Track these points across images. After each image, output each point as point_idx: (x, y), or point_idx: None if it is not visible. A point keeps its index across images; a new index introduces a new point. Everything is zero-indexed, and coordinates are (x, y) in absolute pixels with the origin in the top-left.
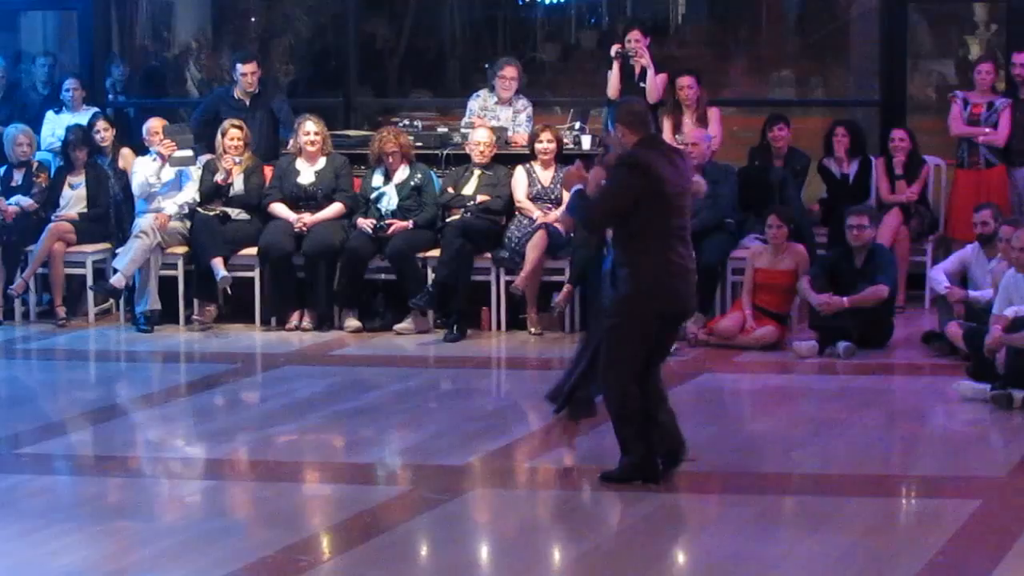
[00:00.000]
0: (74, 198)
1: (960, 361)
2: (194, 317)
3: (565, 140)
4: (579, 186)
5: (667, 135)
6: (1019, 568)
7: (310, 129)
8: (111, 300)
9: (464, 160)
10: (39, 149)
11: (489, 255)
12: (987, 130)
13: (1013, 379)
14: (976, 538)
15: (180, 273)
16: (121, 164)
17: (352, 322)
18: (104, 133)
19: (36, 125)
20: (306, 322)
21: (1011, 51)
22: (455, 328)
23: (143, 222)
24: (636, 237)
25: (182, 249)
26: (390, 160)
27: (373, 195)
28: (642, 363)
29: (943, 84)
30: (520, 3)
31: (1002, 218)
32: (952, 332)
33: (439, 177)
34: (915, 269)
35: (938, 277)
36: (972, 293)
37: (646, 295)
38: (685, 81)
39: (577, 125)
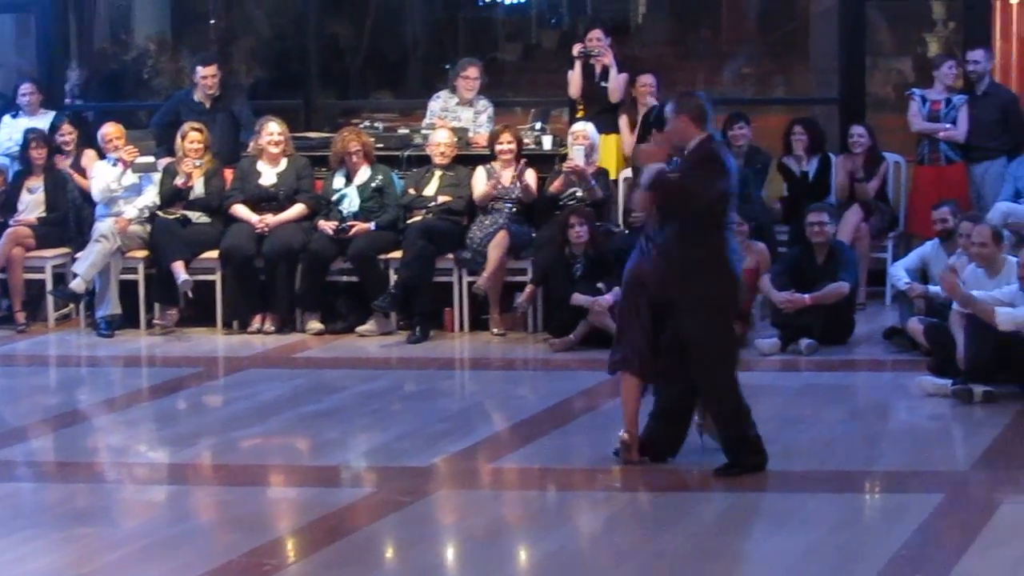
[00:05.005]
0: (33, 202)
1: (921, 357)
2: (155, 321)
3: (526, 140)
4: (660, 165)
5: (625, 134)
6: (982, 560)
7: (274, 130)
8: (71, 305)
9: (425, 161)
10: None
11: (451, 256)
12: (947, 126)
13: (973, 374)
14: (940, 531)
15: (141, 277)
16: (84, 163)
17: (314, 324)
18: (68, 136)
19: None
20: (268, 325)
21: (968, 49)
22: (418, 329)
23: (103, 226)
24: (710, 233)
25: (142, 253)
26: (353, 160)
27: (334, 197)
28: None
29: (902, 82)
30: (481, 3)
31: (962, 214)
32: (913, 328)
33: (400, 178)
34: (876, 266)
35: (898, 273)
36: (932, 289)
37: (731, 288)
38: (646, 80)
39: (538, 125)
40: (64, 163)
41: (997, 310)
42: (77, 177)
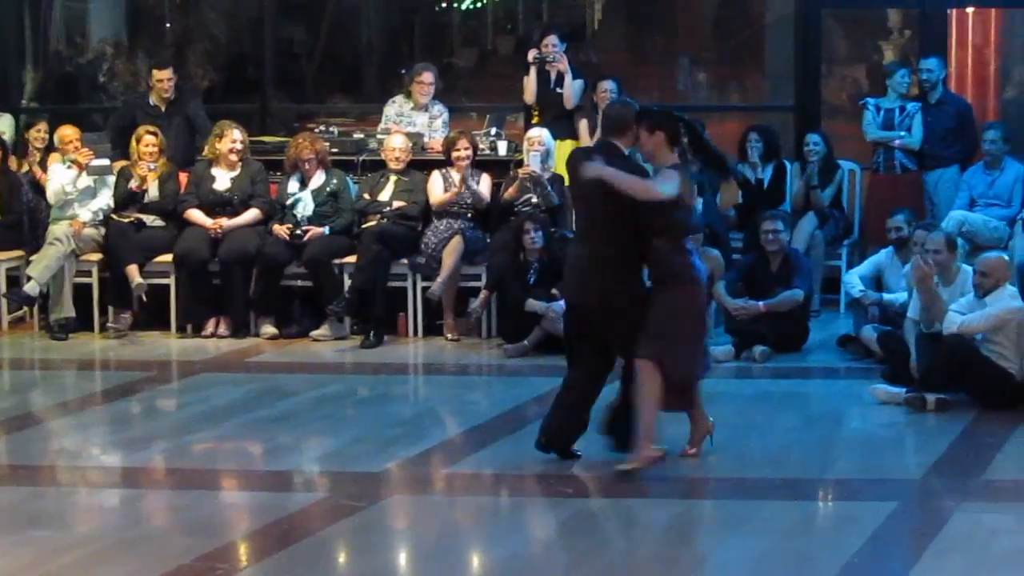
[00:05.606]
0: None
1: (875, 365)
2: (109, 325)
3: (481, 146)
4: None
5: (584, 139)
6: (934, 568)
7: (237, 137)
8: (25, 308)
9: (380, 166)
10: None
11: (406, 261)
12: (902, 134)
13: (927, 382)
14: (892, 539)
15: (95, 280)
16: (49, 163)
17: (269, 329)
18: (44, 134)
19: None
20: (222, 329)
21: (923, 57)
22: (372, 334)
23: (57, 229)
24: None
25: (97, 256)
26: (307, 166)
27: (289, 201)
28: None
29: (857, 89)
30: (437, 9)
31: (916, 222)
32: (867, 336)
33: (355, 183)
34: (830, 273)
35: (852, 281)
36: (886, 297)
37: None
38: (606, 86)
39: (493, 131)
40: (30, 161)
41: (948, 312)
42: (41, 177)
